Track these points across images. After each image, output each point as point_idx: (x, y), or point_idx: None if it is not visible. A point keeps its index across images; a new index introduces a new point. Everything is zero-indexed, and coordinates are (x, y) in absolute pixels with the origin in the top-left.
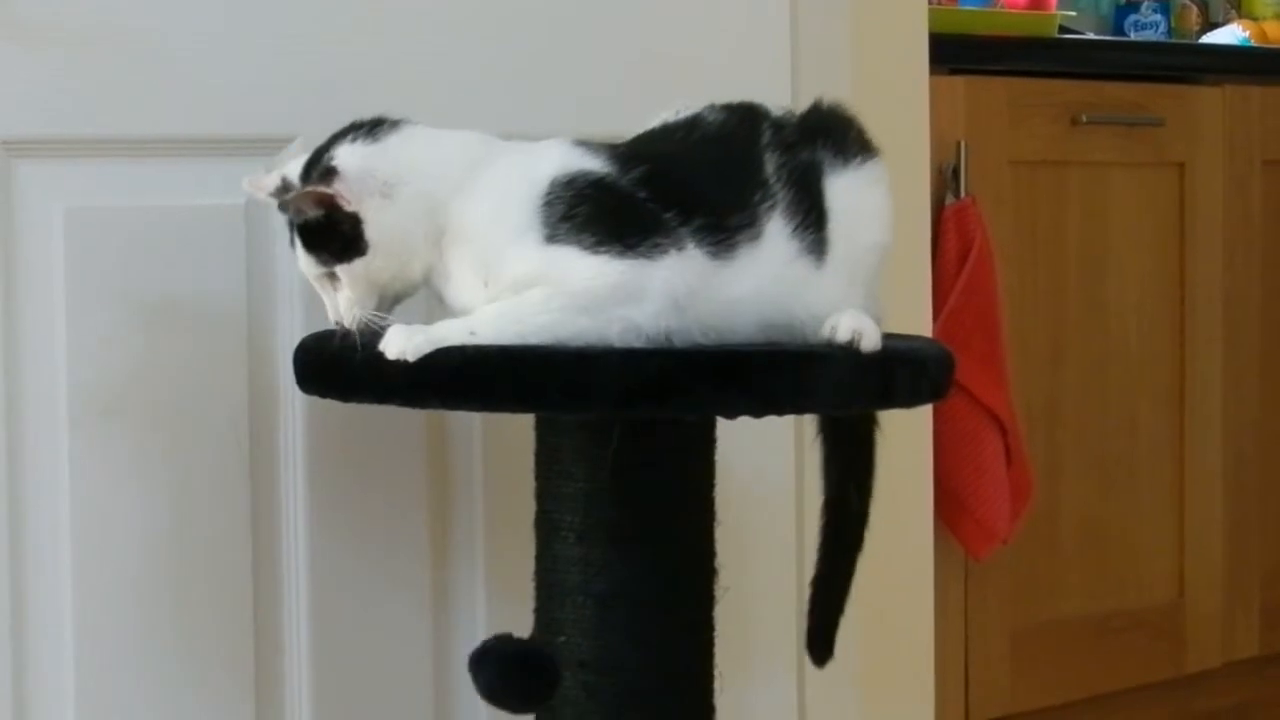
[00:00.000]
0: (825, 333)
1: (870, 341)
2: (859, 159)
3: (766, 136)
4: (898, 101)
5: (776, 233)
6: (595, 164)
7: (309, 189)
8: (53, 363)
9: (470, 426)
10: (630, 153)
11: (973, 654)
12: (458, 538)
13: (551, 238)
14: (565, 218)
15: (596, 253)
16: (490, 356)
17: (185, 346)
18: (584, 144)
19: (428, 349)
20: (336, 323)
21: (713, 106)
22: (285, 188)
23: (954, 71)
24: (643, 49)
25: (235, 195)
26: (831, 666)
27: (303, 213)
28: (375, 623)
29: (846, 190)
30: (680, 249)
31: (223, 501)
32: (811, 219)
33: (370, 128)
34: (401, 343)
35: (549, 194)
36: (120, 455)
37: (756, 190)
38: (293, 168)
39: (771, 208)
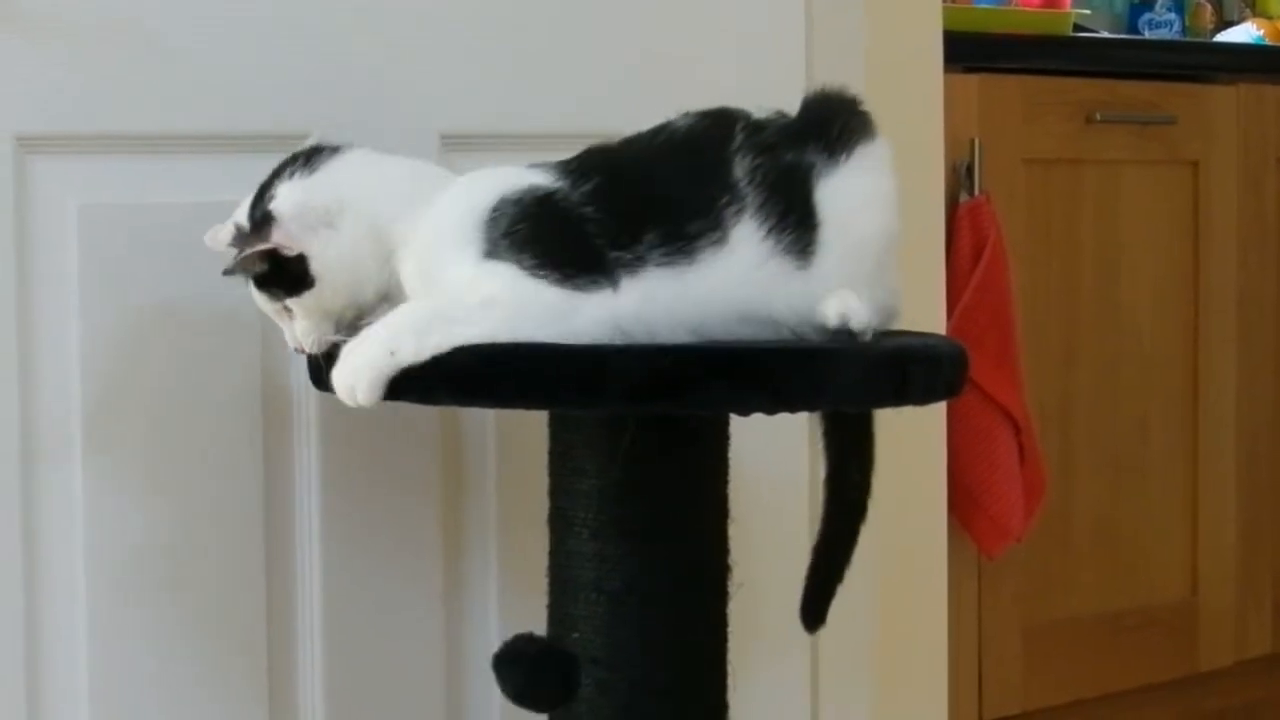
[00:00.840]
0: (819, 322)
1: (859, 319)
2: (845, 154)
3: (738, 140)
4: (912, 99)
5: (746, 236)
6: (545, 180)
7: (250, 251)
8: (66, 359)
9: (484, 423)
10: (586, 166)
11: (986, 651)
12: (471, 534)
13: (491, 253)
14: (506, 234)
15: (535, 276)
16: (503, 354)
17: (198, 342)
18: (540, 165)
19: (378, 377)
20: (296, 349)
21: (687, 114)
22: (240, 235)
23: (968, 69)
24: (653, 48)
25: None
26: (845, 663)
27: (251, 270)
28: (388, 618)
29: (836, 187)
30: (615, 287)
31: (236, 497)
32: (791, 220)
33: (307, 158)
34: (348, 381)
35: (495, 210)
36: (133, 451)
37: (723, 194)
38: (241, 213)
39: (739, 211)
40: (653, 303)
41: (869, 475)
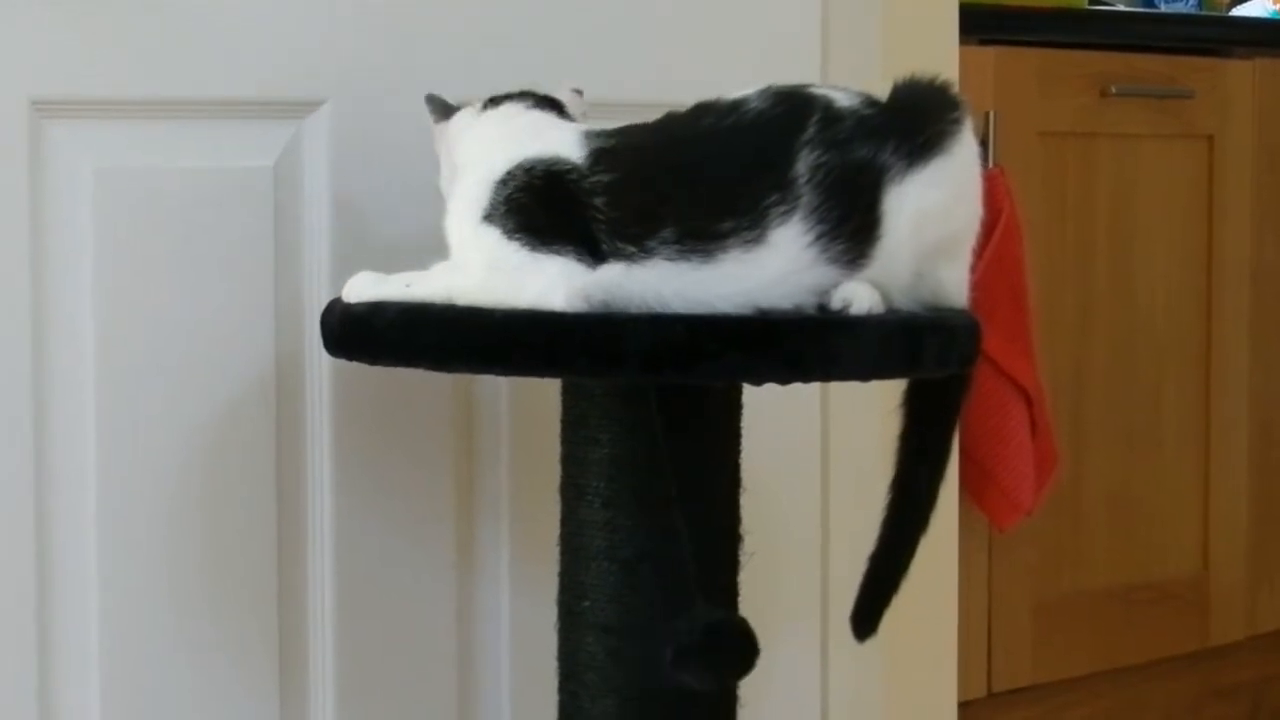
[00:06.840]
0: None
1: (860, 305)
2: (924, 161)
3: (810, 132)
4: (927, 71)
5: (789, 239)
6: (573, 154)
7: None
8: (80, 323)
9: (497, 391)
10: (621, 147)
11: (996, 625)
12: (483, 502)
13: (489, 217)
14: (507, 199)
15: (510, 240)
16: (517, 321)
17: (212, 308)
18: (591, 132)
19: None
20: None
21: (765, 91)
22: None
23: (984, 42)
24: (665, 14)
25: (264, 157)
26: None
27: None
28: (400, 586)
29: (907, 196)
30: (591, 264)
31: (249, 463)
32: (847, 228)
33: (490, 100)
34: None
35: (509, 173)
36: (147, 415)
37: (773, 192)
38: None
39: (788, 212)
40: (648, 292)
41: (938, 486)
